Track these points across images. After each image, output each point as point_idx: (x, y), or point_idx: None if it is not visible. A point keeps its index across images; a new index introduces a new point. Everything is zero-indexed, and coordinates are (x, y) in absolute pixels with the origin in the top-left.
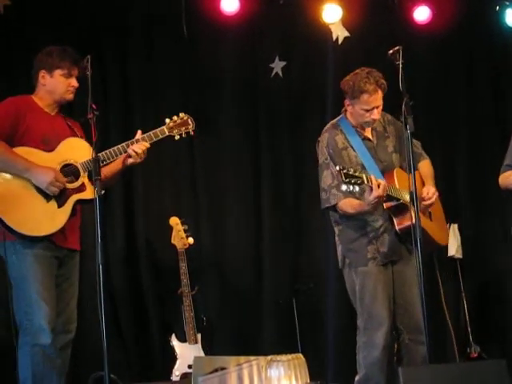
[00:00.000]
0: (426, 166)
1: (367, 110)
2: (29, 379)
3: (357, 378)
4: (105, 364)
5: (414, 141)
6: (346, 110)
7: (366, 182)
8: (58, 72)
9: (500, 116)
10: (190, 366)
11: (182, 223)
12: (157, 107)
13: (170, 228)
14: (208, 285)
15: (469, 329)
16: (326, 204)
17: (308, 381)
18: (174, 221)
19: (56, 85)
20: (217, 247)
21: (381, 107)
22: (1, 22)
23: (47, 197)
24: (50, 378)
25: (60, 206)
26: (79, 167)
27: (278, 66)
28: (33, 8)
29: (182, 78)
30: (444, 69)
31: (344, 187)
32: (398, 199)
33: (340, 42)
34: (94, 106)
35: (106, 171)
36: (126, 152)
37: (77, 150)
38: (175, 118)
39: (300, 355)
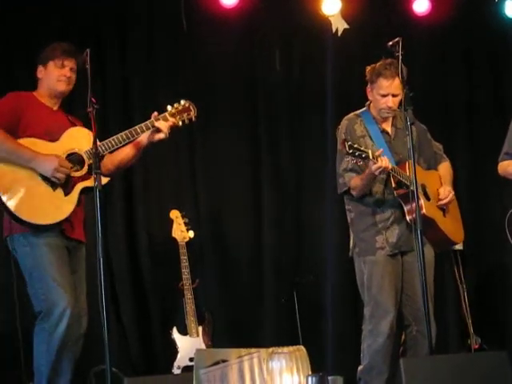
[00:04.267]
0: (445, 168)
1: (383, 96)
2: (44, 366)
3: (360, 367)
4: (106, 357)
5: (436, 143)
6: (369, 104)
7: (371, 157)
8: (51, 64)
9: (499, 105)
10: (191, 359)
11: (183, 216)
12: (156, 101)
13: (171, 221)
14: (209, 278)
15: (469, 320)
16: (343, 188)
17: (310, 373)
18: (175, 214)
19: (49, 76)
20: (217, 240)
21: (399, 98)
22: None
23: (53, 185)
24: (64, 367)
25: (67, 194)
26: (84, 155)
27: (277, 58)
28: (32, 2)
29: (181, 71)
30: (443, 60)
31: (347, 158)
32: (407, 186)
33: (339, 33)
34: (93, 99)
35: (121, 156)
36: (133, 137)
37: (80, 139)
38: (177, 104)
39: (301, 347)
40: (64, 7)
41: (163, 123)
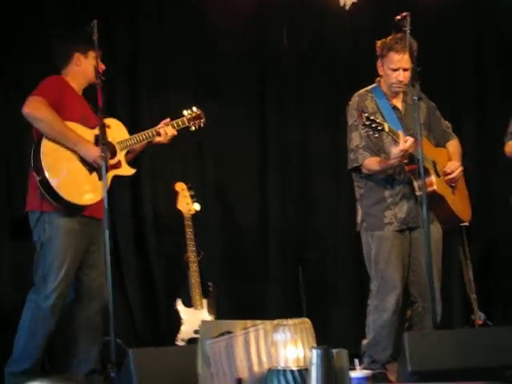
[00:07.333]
0: (453, 145)
1: (394, 70)
2: (23, 330)
3: (364, 341)
4: (111, 329)
5: (446, 122)
6: (379, 80)
7: (386, 130)
8: (91, 54)
9: (508, 84)
10: (195, 332)
11: (188, 189)
12: (164, 77)
13: (176, 193)
14: (214, 250)
15: (474, 296)
16: (353, 164)
17: (314, 345)
18: (180, 186)
19: (89, 67)
20: (223, 213)
21: (409, 73)
22: None
23: (90, 170)
24: (40, 336)
25: (100, 179)
26: (116, 146)
27: (284, 33)
28: None
29: (190, 48)
30: (452, 34)
31: (363, 130)
32: (419, 161)
33: (347, 8)
34: (100, 70)
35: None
36: (153, 136)
37: (114, 129)
38: (191, 111)
39: (306, 319)
40: None
41: (170, 129)
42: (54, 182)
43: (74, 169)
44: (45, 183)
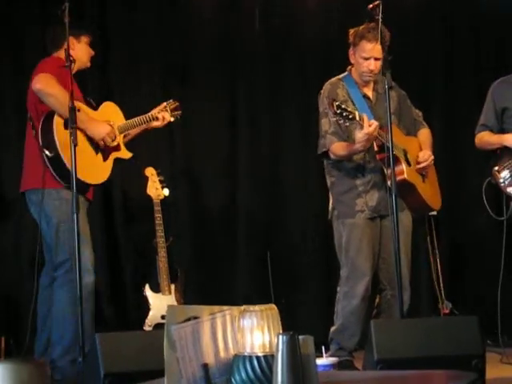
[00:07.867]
0: (424, 134)
1: (365, 59)
2: (67, 316)
3: (333, 328)
4: (78, 313)
5: (416, 110)
6: (351, 68)
7: (357, 118)
8: (83, 39)
9: (478, 71)
10: (163, 317)
11: (158, 174)
12: (135, 59)
13: (146, 178)
14: (183, 236)
15: (441, 285)
16: (322, 149)
17: (281, 331)
18: (150, 171)
19: (83, 52)
20: (192, 199)
21: (380, 62)
22: None
23: (96, 150)
24: (88, 313)
25: (104, 160)
26: (116, 129)
27: (256, 18)
28: None
29: (160, 33)
30: (423, 23)
31: (334, 118)
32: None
33: None
34: (71, 55)
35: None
36: (150, 121)
37: (112, 113)
38: (170, 102)
39: (273, 306)
40: None
41: (167, 115)
42: (66, 159)
43: (81, 147)
44: (56, 160)
